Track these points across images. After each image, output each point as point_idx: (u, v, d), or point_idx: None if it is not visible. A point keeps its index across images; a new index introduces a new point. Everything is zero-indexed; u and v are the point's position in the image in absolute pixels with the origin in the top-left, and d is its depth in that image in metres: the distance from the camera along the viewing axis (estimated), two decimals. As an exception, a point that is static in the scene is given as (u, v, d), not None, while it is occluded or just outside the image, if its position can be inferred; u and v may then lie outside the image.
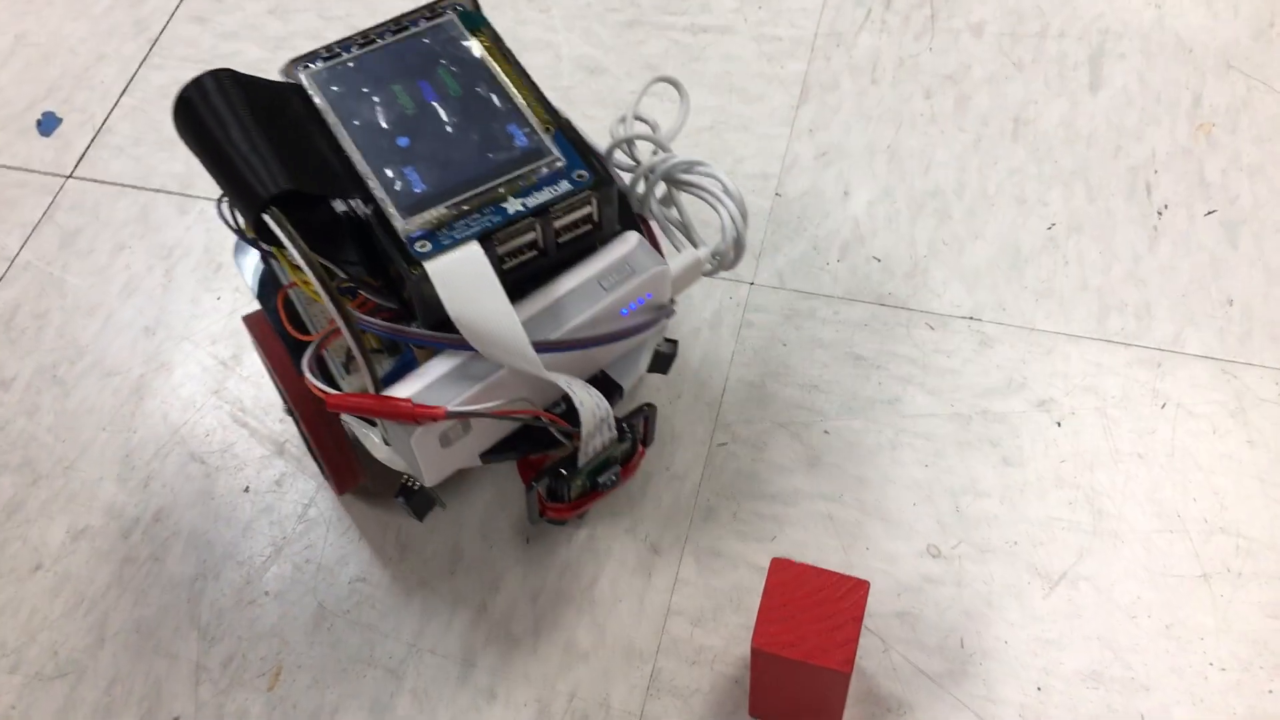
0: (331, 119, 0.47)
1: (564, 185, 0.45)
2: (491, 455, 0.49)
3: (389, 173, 0.45)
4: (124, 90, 0.77)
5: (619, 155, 0.54)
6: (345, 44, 0.50)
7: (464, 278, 0.43)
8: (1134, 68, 0.72)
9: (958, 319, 0.64)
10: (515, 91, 0.48)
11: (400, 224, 0.44)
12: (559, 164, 0.46)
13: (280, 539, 0.59)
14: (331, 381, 0.49)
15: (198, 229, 0.70)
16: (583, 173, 0.46)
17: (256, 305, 0.54)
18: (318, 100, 0.48)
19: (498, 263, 0.44)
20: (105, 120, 0.76)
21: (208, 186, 0.72)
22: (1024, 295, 0.64)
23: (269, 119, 0.46)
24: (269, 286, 0.53)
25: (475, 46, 0.49)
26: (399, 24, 0.50)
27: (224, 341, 0.66)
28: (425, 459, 0.46)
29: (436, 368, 0.45)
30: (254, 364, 0.64)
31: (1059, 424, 0.59)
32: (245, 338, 0.65)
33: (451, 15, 0.50)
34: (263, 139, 0.44)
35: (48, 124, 0.76)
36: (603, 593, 0.56)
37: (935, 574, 0.56)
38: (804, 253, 0.67)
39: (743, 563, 0.57)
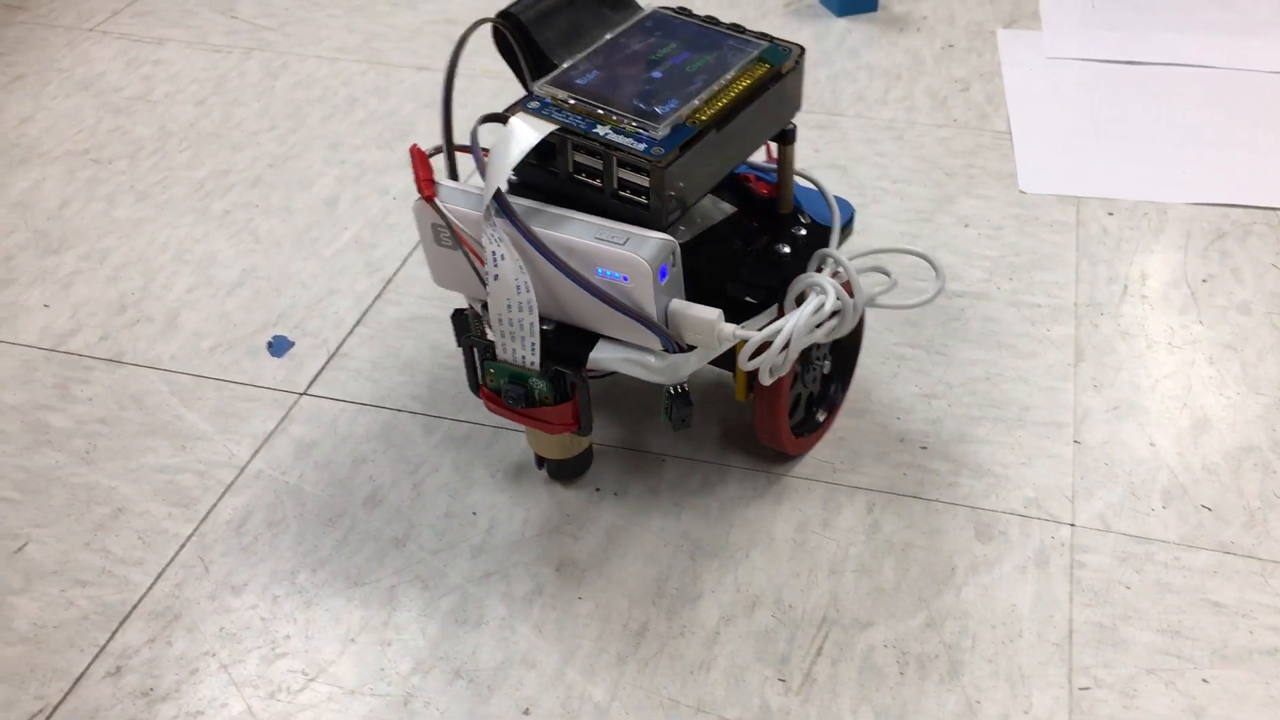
0: (617, 29, 0.57)
1: (641, 146, 0.50)
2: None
3: (582, 65, 0.54)
4: (359, 321, 0.75)
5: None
6: (699, 15, 0.58)
7: (516, 136, 0.50)
8: None
9: (1319, 570, 0.57)
10: (715, 96, 0.53)
11: (535, 85, 0.53)
12: (659, 135, 0.51)
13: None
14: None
15: (446, 447, 0.65)
16: (661, 149, 0.50)
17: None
18: (631, 20, 0.58)
19: (571, 165, 0.52)
20: (340, 346, 0.73)
21: (449, 408, 0.67)
22: (1384, 550, 0.58)
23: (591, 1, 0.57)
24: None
25: (742, 68, 0.55)
26: (738, 29, 0.58)
27: (486, 555, 0.59)
28: (426, 242, 0.55)
29: (490, 184, 0.50)
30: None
31: None
32: (514, 554, 0.59)
33: (762, 45, 0.57)
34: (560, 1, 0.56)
35: (279, 346, 0.73)
36: None
37: None
38: (1122, 498, 0.61)
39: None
